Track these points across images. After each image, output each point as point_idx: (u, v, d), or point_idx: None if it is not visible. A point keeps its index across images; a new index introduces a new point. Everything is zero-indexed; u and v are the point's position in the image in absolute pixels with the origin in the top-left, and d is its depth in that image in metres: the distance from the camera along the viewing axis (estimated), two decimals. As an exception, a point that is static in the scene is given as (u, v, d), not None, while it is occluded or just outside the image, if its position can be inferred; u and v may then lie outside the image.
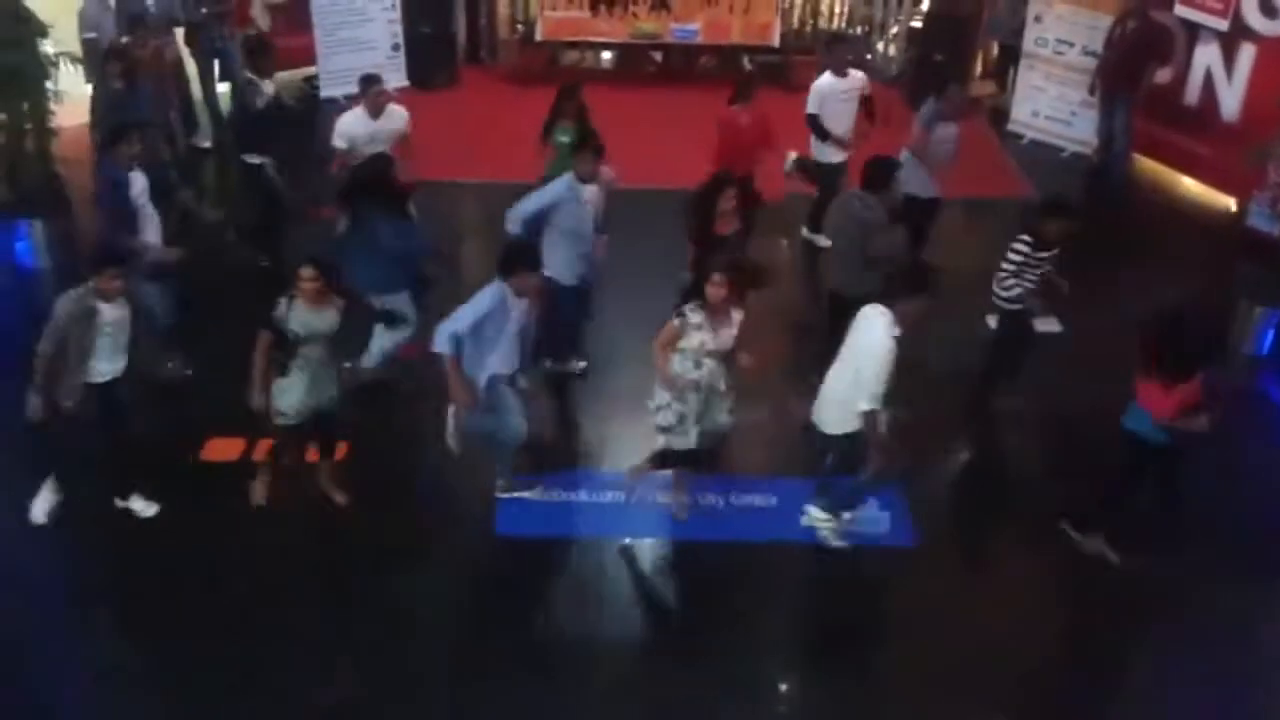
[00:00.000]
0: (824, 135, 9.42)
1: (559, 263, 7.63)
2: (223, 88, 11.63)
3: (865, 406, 6.07)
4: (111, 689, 5.83)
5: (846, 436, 6.38)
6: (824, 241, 8.70)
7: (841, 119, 9.48)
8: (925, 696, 5.91)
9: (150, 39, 10.25)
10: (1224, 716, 5.98)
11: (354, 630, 6.20)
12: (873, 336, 6.09)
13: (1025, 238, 7.41)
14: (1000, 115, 12.88)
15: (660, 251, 8.39)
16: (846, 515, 6.79)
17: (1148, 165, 11.69)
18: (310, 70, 12.77)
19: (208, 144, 11.48)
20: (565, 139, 8.53)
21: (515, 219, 7.56)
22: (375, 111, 8.76)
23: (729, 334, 6.39)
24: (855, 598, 6.64)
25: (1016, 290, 7.47)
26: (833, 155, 9.51)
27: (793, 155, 9.85)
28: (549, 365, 7.99)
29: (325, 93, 12.61)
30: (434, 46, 13.29)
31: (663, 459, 6.79)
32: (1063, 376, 8.08)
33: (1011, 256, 7.43)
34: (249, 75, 9.58)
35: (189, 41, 11.38)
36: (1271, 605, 6.67)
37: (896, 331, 6.05)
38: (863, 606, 6.60)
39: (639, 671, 6.09)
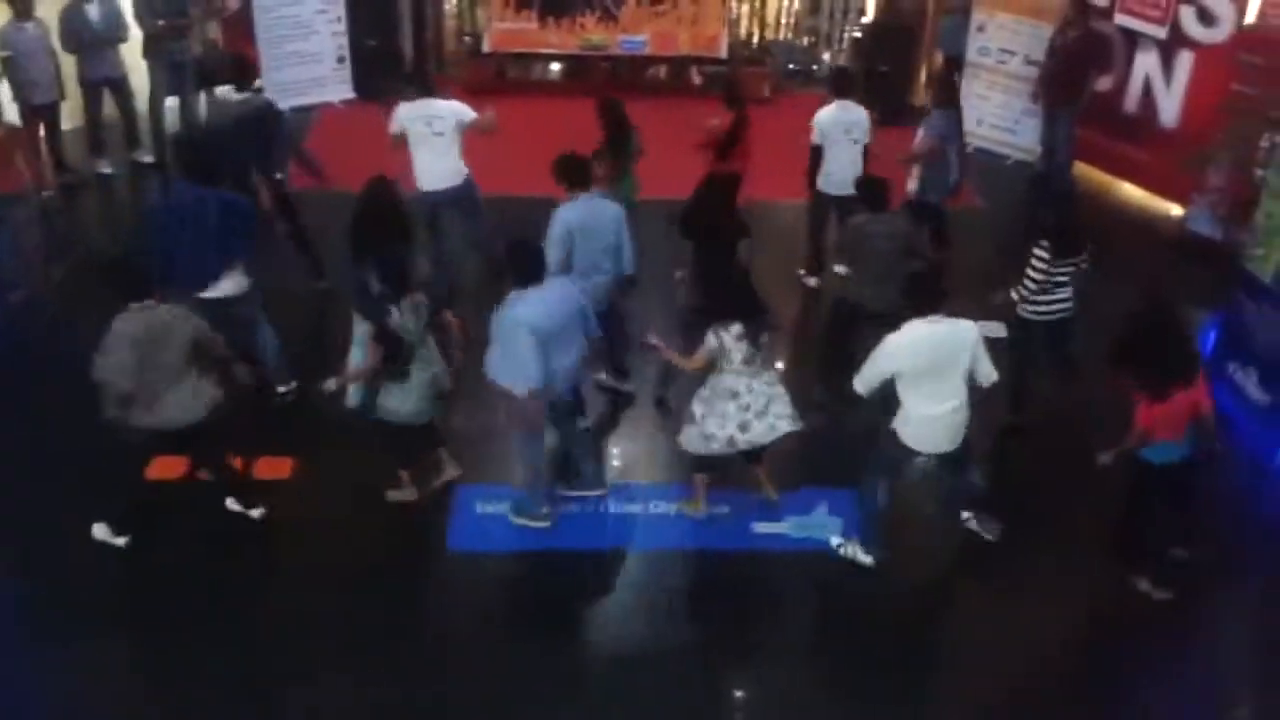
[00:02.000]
0: (815, 169, 9.31)
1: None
2: (171, 102, 11.50)
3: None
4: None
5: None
6: (841, 269, 8.85)
7: (839, 154, 9.22)
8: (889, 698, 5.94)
9: None
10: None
11: (311, 648, 6.13)
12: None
13: (1042, 245, 7.37)
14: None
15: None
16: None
17: (1090, 172, 11.86)
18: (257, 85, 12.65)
19: (150, 159, 11.33)
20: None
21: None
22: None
23: (761, 341, 6.55)
24: (812, 603, 6.65)
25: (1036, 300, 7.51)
26: (823, 184, 9.37)
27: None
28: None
29: (271, 106, 12.51)
30: (381, 59, 13.21)
31: (698, 463, 6.89)
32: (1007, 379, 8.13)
33: (1033, 271, 7.40)
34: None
35: (146, 53, 11.25)
36: (1210, 613, 6.72)
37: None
38: (818, 612, 6.61)
39: (595, 685, 6.06)
